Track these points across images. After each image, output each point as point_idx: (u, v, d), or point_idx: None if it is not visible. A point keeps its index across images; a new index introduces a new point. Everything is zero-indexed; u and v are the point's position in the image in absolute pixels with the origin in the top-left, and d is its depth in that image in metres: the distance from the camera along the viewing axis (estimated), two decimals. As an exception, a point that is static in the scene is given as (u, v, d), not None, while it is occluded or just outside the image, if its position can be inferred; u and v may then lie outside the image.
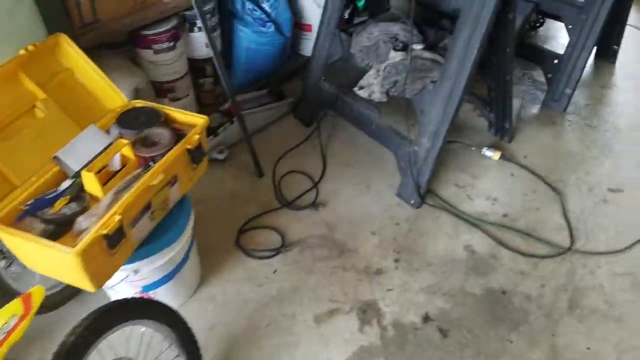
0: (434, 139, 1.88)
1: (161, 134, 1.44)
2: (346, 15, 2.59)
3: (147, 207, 1.34)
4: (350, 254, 1.85)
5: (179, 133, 1.48)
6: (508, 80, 1.94)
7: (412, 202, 2.02)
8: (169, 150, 1.39)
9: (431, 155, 1.92)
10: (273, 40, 2.32)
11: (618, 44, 2.79)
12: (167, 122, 1.52)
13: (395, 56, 1.82)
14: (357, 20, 2.67)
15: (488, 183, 2.13)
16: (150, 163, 1.38)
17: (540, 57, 2.53)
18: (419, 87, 1.83)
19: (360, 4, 2.67)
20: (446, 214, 2.00)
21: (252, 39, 2.28)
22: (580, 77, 2.36)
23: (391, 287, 1.74)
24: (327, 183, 2.14)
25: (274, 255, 1.82)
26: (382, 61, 1.90)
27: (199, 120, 1.50)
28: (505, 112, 2.14)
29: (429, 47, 1.88)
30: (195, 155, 1.46)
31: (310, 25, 2.53)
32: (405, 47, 1.86)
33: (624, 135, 2.35)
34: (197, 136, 1.45)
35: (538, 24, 3.02)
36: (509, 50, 1.81)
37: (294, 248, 1.86)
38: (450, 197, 2.07)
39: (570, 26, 2.33)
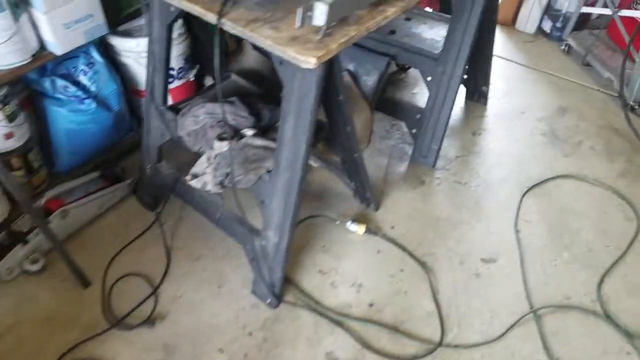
0: (280, 233, 1.62)
1: None
2: (192, 77, 2.29)
3: None
4: (190, 385, 1.54)
5: None
6: (357, 157, 1.73)
7: (268, 301, 1.75)
8: None
9: (280, 250, 1.65)
10: (97, 117, 1.97)
11: (487, 84, 2.70)
12: None
13: (222, 146, 1.55)
14: (208, 82, 2.39)
15: (353, 264, 1.90)
16: None
17: (402, 112, 2.36)
18: (254, 179, 1.57)
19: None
20: (307, 312, 1.74)
21: (70, 118, 1.92)
22: (444, 131, 2.21)
23: None
24: (171, 285, 1.81)
25: (91, 404, 1.47)
26: (212, 147, 1.62)
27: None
28: (363, 183, 1.93)
29: (264, 130, 1.63)
30: None
31: (148, 92, 2.20)
32: (234, 133, 1.59)
33: (494, 190, 2.22)
34: None
35: (407, 66, 2.89)
36: (350, 130, 1.59)
37: (118, 388, 1.52)
38: (313, 288, 1.82)
39: (429, 79, 2.18)
